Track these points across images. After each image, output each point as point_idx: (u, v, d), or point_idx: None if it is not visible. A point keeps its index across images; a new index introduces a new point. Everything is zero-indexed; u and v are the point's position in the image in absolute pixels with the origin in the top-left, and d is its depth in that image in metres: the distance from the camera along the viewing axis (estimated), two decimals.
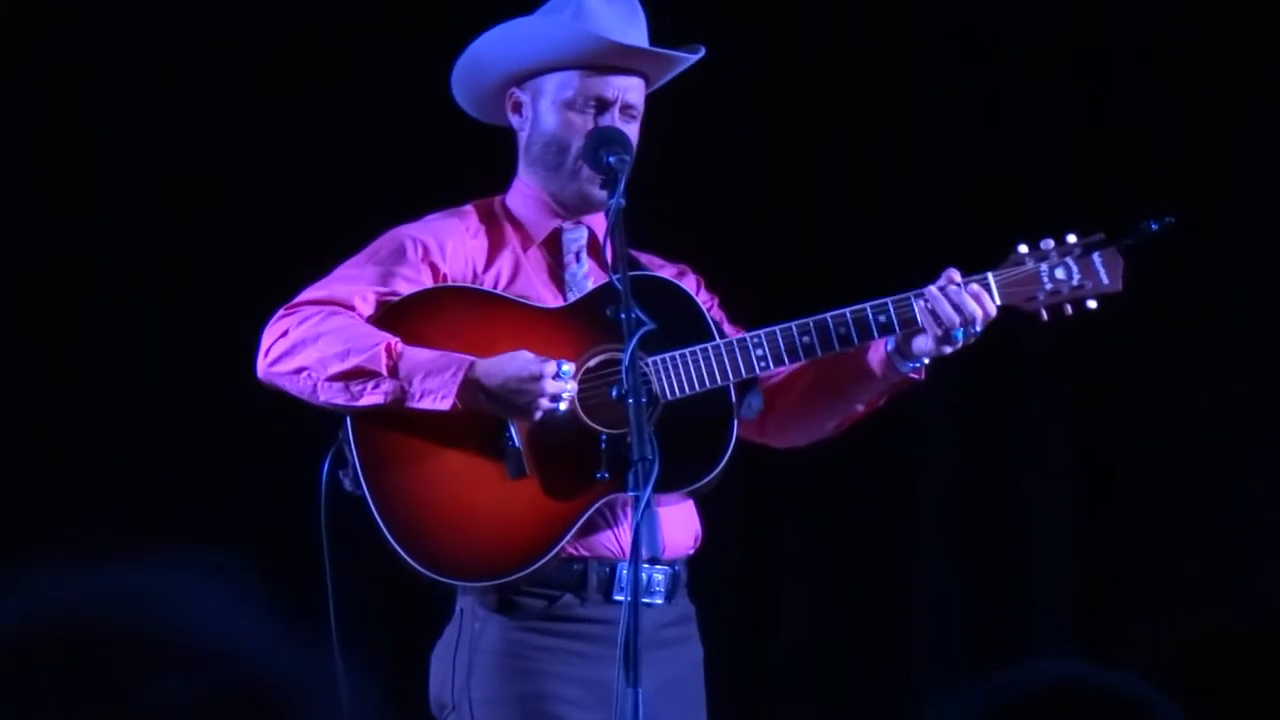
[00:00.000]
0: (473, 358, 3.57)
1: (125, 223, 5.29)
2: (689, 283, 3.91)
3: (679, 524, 3.72)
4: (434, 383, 3.56)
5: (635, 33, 3.75)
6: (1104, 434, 5.41)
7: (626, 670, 3.27)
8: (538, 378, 3.53)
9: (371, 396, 3.57)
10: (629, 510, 3.54)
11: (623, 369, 3.44)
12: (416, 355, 3.58)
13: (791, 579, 5.44)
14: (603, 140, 3.67)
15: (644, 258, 3.92)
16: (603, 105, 3.73)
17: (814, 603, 5.44)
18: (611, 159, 3.63)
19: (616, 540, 3.65)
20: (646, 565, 3.55)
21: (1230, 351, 5.33)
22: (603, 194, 3.65)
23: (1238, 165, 5.32)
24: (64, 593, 1.70)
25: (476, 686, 3.64)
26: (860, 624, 5.43)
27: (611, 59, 3.73)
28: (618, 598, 3.60)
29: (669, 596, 3.70)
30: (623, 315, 3.43)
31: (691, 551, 3.78)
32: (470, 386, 3.55)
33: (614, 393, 3.53)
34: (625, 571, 3.57)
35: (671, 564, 3.70)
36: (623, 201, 3.58)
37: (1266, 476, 5.33)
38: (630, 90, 3.75)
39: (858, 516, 5.40)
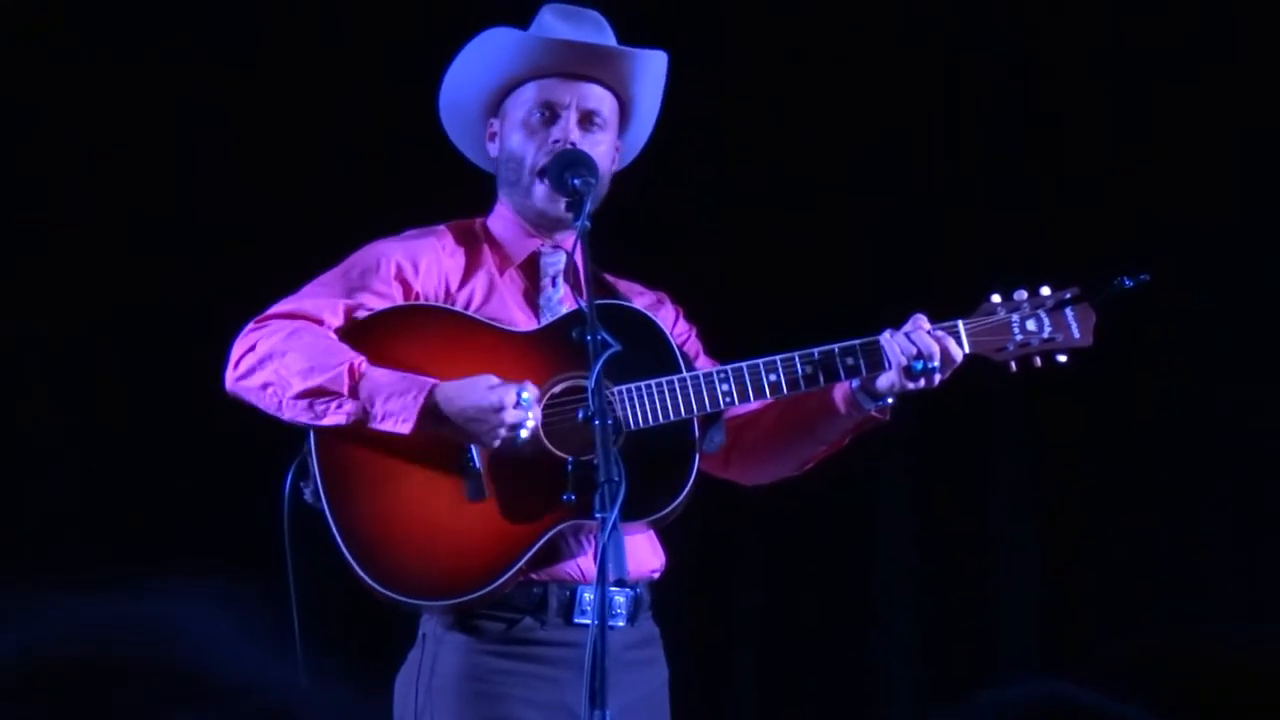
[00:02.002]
0: (435, 381, 3.56)
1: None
2: (667, 312, 3.91)
3: (641, 547, 3.71)
4: (395, 404, 3.54)
5: (592, 40, 3.76)
6: (1066, 455, 5.42)
7: (592, 693, 3.25)
8: (498, 408, 3.51)
9: (334, 416, 3.57)
10: (590, 536, 3.56)
11: (589, 390, 3.42)
12: (379, 377, 3.57)
13: (750, 602, 5.45)
14: (567, 163, 3.66)
15: (623, 284, 3.92)
16: (552, 111, 3.73)
17: (773, 625, 5.45)
18: (576, 181, 3.62)
19: (577, 565, 3.64)
20: (611, 588, 3.51)
21: (1198, 371, 5.35)
22: (561, 212, 3.65)
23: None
24: (66, 622, 1.68)
25: (438, 711, 3.64)
26: (821, 647, 5.44)
27: (559, 63, 3.73)
28: (579, 620, 3.60)
29: (631, 619, 3.70)
30: (588, 337, 3.41)
31: (656, 575, 3.77)
32: (431, 411, 3.54)
33: (580, 414, 3.51)
34: (587, 595, 3.58)
35: (634, 586, 3.69)
36: (588, 224, 3.57)
37: (1230, 497, 5.36)
38: (589, 98, 3.75)
39: (818, 539, 5.41)
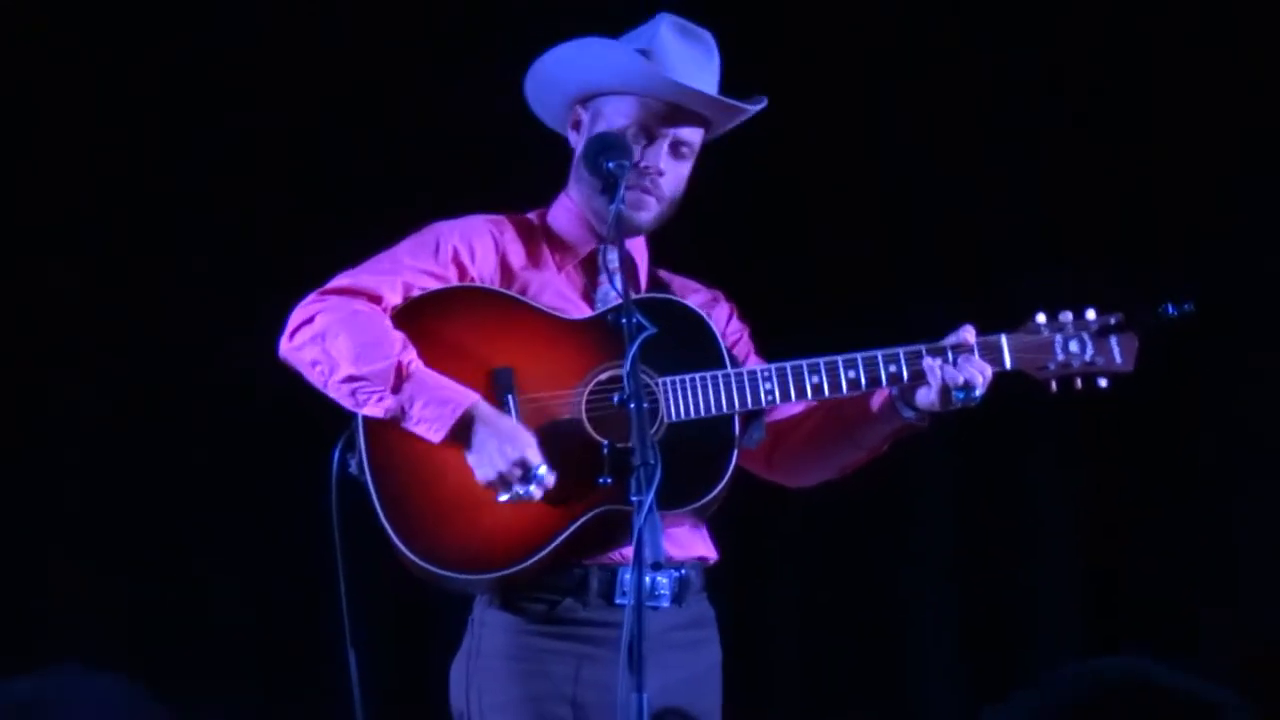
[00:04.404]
0: (477, 398, 3.62)
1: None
2: (721, 310, 3.96)
3: (690, 532, 3.76)
4: (431, 412, 3.61)
5: (703, 76, 3.80)
6: (1104, 449, 5.45)
7: (631, 674, 3.28)
8: (515, 463, 3.56)
9: (373, 408, 3.64)
10: (629, 520, 3.58)
11: (624, 373, 3.46)
12: (425, 380, 3.64)
13: (791, 592, 5.48)
14: (602, 146, 3.70)
15: (679, 281, 3.98)
16: (648, 135, 3.77)
17: (812, 616, 5.48)
18: (610, 164, 3.66)
19: (616, 549, 3.68)
20: (650, 570, 3.51)
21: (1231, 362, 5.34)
22: (603, 196, 3.69)
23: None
24: None
25: (486, 692, 3.70)
26: (857, 638, 5.47)
27: (673, 98, 3.77)
28: (619, 601, 3.65)
29: (677, 600, 3.74)
30: (624, 320, 3.45)
31: (708, 558, 3.81)
32: (463, 428, 3.60)
33: (615, 399, 3.56)
34: (627, 576, 3.63)
35: (678, 567, 3.73)
36: (622, 206, 3.62)
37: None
38: (685, 130, 3.80)
39: (858, 530, 5.44)
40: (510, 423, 3.60)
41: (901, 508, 5.52)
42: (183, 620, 5.37)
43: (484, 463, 3.57)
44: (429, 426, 3.60)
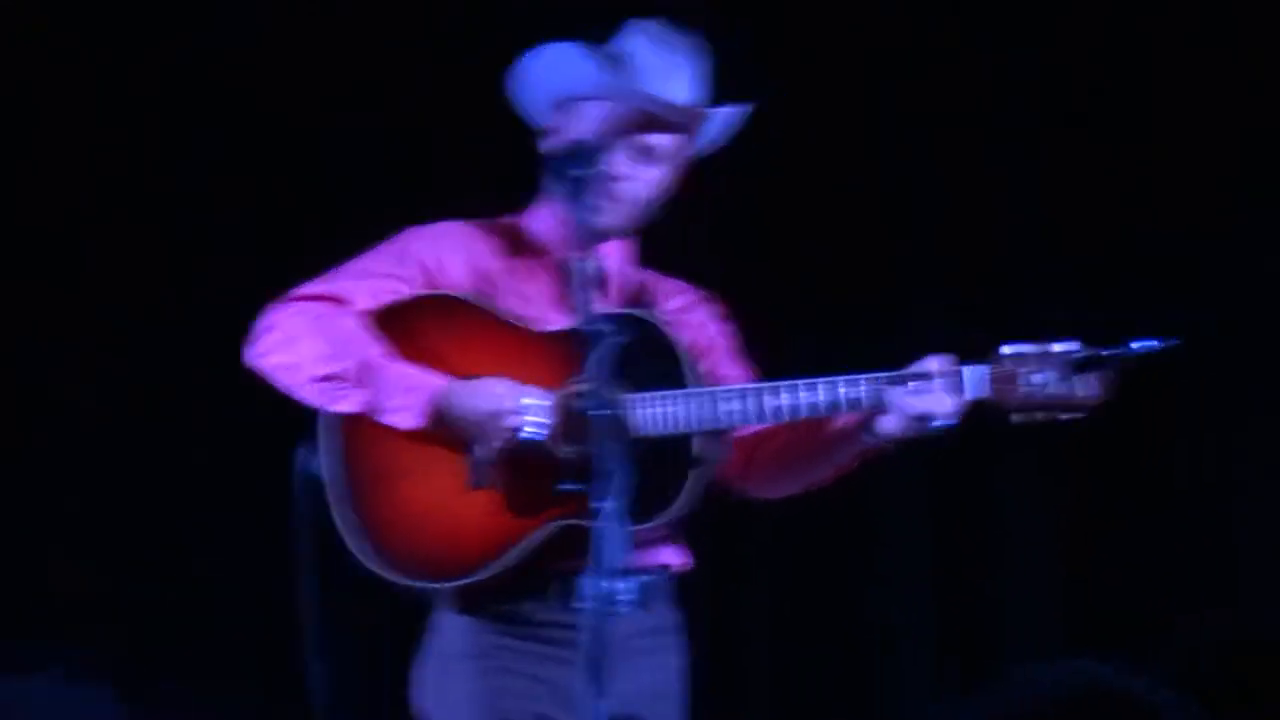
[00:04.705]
0: (447, 381, 3.62)
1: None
2: (701, 312, 3.96)
3: (654, 539, 3.76)
4: (404, 400, 3.62)
5: (675, 81, 3.79)
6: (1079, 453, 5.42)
7: (591, 682, 3.27)
8: (498, 413, 3.57)
9: (345, 404, 3.65)
10: (590, 534, 3.58)
11: (588, 384, 3.43)
12: (393, 371, 3.65)
13: (762, 598, 5.48)
14: (569, 154, 3.66)
15: (666, 282, 3.98)
16: (613, 144, 3.76)
17: (783, 624, 5.48)
18: (576, 171, 3.61)
19: (577, 559, 3.61)
20: (614, 577, 3.44)
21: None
22: (600, 219, 3.68)
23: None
24: None
25: (447, 690, 3.73)
26: (830, 646, 5.47)
27: (637, 104, 3.77)
28: (575, 606, 3.65)
29: (641, 605, 3.74)
30: (587, 329, 3.43)
31: (673, 567, 3.81)
32: (438, 410, 3.61)
33: (578, 405, 3.54)
34: (584, 581, 3.60)
35: (642, 574, 3.74)
36: (587, 217, 3.56)
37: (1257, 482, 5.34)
38: (652, 135, 3.79)
39: (830, 535, 5.43)
40: (476, 384, 3.60)
41: (875, 515, 5.51)
42: (183, 620, 5.40)
43: (473, 424, 3.58)
44: (404, 414, 3.61)
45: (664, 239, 3.92)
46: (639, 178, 3.79)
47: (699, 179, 3.94)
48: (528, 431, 3.59)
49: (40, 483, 5.37)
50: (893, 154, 5.59)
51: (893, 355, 4.92)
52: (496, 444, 3.60)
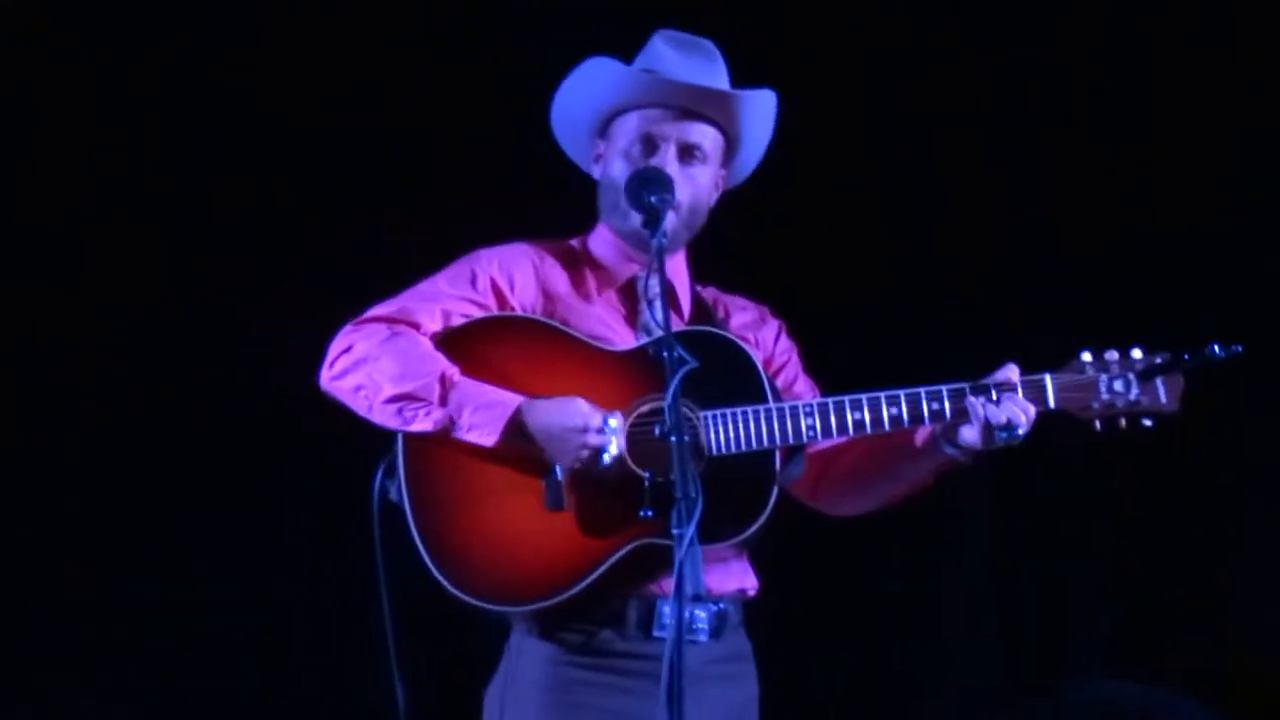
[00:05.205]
0: (523, 398, 3.62)
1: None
2: (769, 329, 3.97)
3: (728, 565, 3.76)
4: (482, 418, 3.61)
5: (700, 78, 3.80)
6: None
7: (669, 708, 3.25)
8: (583, 430, 3.57)
9: (422, 423, 3.63)
10: (668, 553, 3.57)
11: (665, 406, 3.42)
12: (470, 388, 3.63)
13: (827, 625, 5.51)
14: (644, 181, 3.71)
15: (728, 299, 4.00)
16: (650, 144, 3.79)
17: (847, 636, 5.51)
18: (652, 198, 3.66)
19: (656, 580, 3.67)
20: (690, 603, 3.48)
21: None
22: (639, 228, 3.71)
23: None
24: None
25: (518, 718, 3.70)
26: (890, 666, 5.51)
27: (665, 98, 3.78)
28: (657, 634, 3.65)
29: (715, 634, 3.73)
30: (664, 354, 3.43)
31: (748, 593, 3.81)
32: (516, 427, 3.60)
33: (656, 430, 3.54)
34: (666, 608, 3.62)
35: (716, 602, 3.73)
36: (664, 241, 3.61)
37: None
38: (690, 133, 3.80)
39: (889, 552, 5.46)
40: (556, 402, 3.59)
41: (934, 533, 5.54)
42: (183, 620, 5.36)
43: (554, 451, 3.58)
44: (480, 432, 3.60)
45: (726, 253, 3.92)
46: (686, 179, 3.79)
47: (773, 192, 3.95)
48: (610, 453, 3.59)
49: (40, 483, 5.30)
50: (893, 154, 5.61)
51: (890, 354, 4.99)
52: (574, 463, 3.60)
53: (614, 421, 3.59)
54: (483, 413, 3.61)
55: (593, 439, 3.57)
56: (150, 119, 5.35)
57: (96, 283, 5.34)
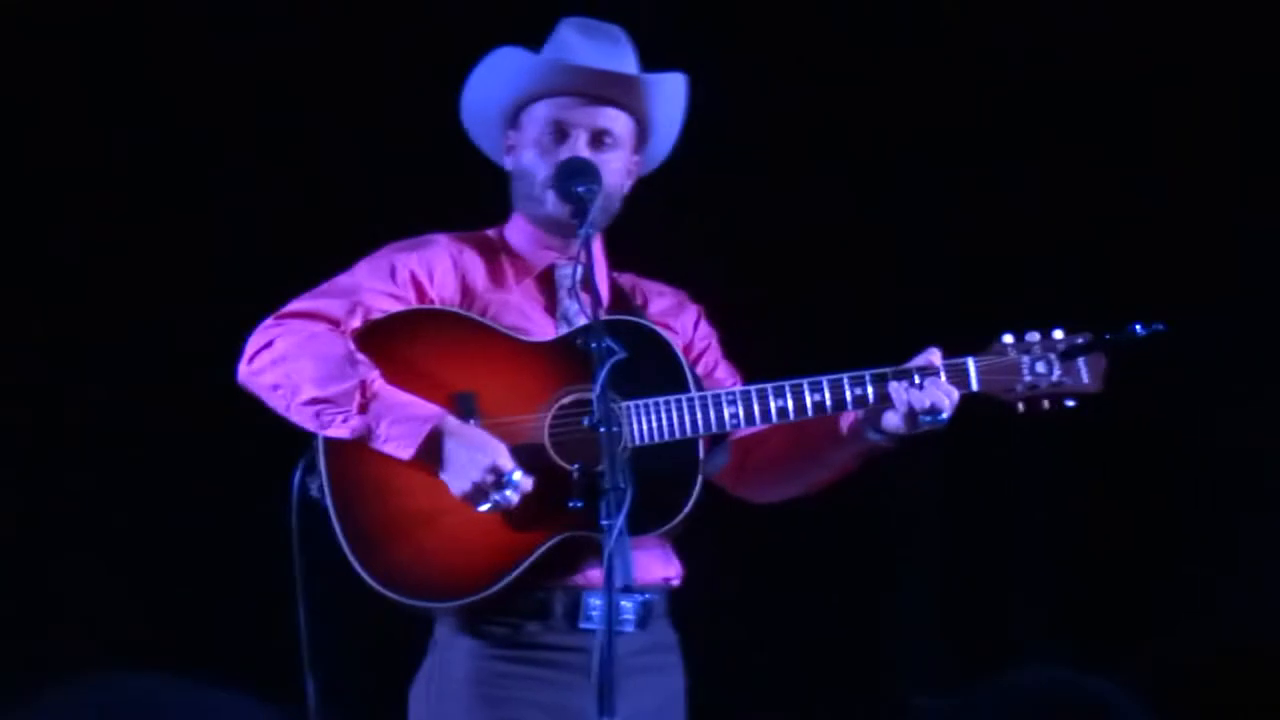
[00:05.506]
0: (443, 415, 3.58)
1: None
2: (688, 315, 3.94)
3: (652, 555, 3.73)
4: (399, 430, 3.58)
5: (608, 62, 3.78)
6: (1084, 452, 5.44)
7: (600, 700, 3.25)
8: (496, 471, 3.53)
9: (339, 429, 3.61)
10: (594, 545, 3.52)
11: (594, 398, 3.41)
12: (390, 398, 3.60)
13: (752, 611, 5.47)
14: (571, 171, 3.69)
15: (646, 284, 3.96)
16: (561, 132, 3.76)
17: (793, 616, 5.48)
18: (580, 189, 3.65)
19: (582, 572, 3.65)
20: (618, 594, 3.45)
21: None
22: (568, 218, 3.68)
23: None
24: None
25: (446, 715, 3.67)
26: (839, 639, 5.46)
27: (573, 85, 3.76)
28: (584, 626, 3.63)
29: (641, 624, 3.71)
30: (593, 345, 3.42)
31: (671, 582, 3.78)
32: (432, 445, 3.57)
33: (584, 421, 3.49)
34: (593, 600, 3.61)
35: (642, 592, 3.71)
36: (592, 231, 3.61)
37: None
38: (600, 118, 3.78)
39: (836, 534, 5.43)
40: (479, 433, 3.57)
41: (884, 523, 5.51)
42: (183, 620, 5.35)
43: (458, 475, 3.55)
44: (397, 444, 3.57)
45: (643, 240, 3.89)
46: (601, 165, 3.75)
47: (688, 178, 3.92)
48: (493, 505, 3.55)
49: (40, 483, 5.30)
50: (893, 153, 5.57)
51: (814, 339, 4.95)
52: (463, 496, 3.56)
53: (518, 476, 3.54)
54: (401, 425, 3.58)
55: (490, 490, 3.54)
56: (150, 119, 5.36)
57: (97, 282, 5.36)
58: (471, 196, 3.99)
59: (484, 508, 3.54)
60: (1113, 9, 5.44)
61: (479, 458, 3.53)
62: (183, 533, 5.34)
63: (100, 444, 5.34)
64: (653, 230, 3.91)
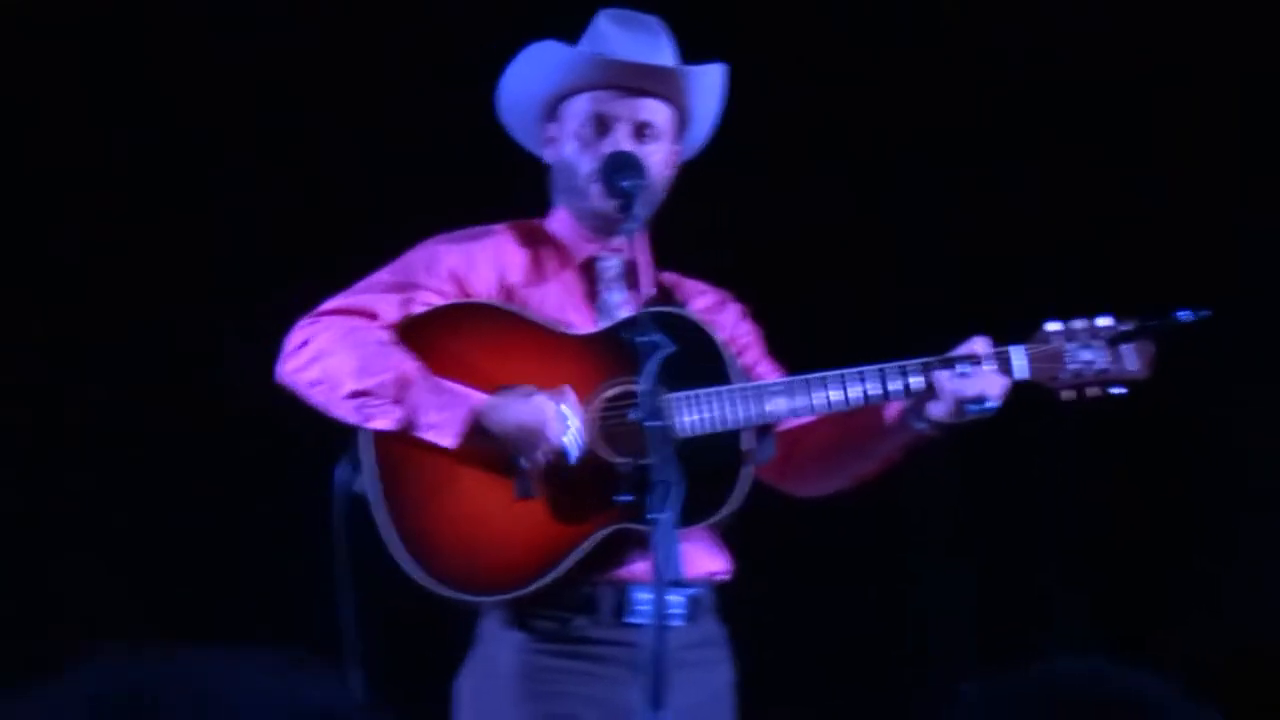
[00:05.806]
0: (483, 398, 3.57)
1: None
2: (730, 313, 3.94)
3: (700, 549, 3.72)
4: (440, 418, 3.57)
5: (645, 54, 3.78)
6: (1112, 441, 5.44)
7: (652, 694, 3.19)
8: (542, 428, 3.52)
9: (380, 420, 3.59)
10: (641, 539, 3.53)
11: (641, 391, 3.39)
12: (428, 387, 3.59)
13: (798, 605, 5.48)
14: (616, 165, 3.68)
15: (688, 283, 3.95)
16: (603, 125, 3.75)
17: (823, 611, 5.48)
18: (625, 183, 3.64)
19: (629, 566, 3.64)
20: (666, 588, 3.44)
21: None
22: (614, 213, 3.69)
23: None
24: (111, 683, 1.69)
25: (494, 710, 3.65)
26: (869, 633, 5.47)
27: (613, 78, 3.75)
28: (631, 620, 3.62)
29: (690, 619, 3.70)
30: (638, 339, 3.40)
31: (719, 577, 3.77)
32: (475, 428, 3.56)
33: (631, 415, 3.50)
34: (640, 595, 3.60)
35: (690, 586, 3.69)
36: (637, 225, 3.62)
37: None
38: (641, 110, 3.77)
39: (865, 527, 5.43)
40: (507, 399, 3.55)
41: (911, 500, 5.51)
42: (183, 620, 5.34)
43: (515, 450, 3.54)
44: (439, 433, 3.56)
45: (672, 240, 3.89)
46: (643, 158, 3.75)
47: (688, 178, 3.92)
48: (568, 443, 3.55)
49: (40, 483, 5.28)
50: (893, 153, 5.57)
51: (858, 334, 4.93)
52: (539, 457, 3.56)
53: (565, 407, 3.54)
54: (442, 413, 3.57)
55: (554, 438, 3.53)
56: (151, 119, 5.33)
57: (97, 282, 5.33)
58: (472, 196, 3.99)
59: (575, 451, 3.52)
60: (1113, 9, 5.44)
61: (526, 419, 3.52)
62: (183, 533, 5.32)
63: (100, 444, 5.31)
64: (652, 230, 3.88)
